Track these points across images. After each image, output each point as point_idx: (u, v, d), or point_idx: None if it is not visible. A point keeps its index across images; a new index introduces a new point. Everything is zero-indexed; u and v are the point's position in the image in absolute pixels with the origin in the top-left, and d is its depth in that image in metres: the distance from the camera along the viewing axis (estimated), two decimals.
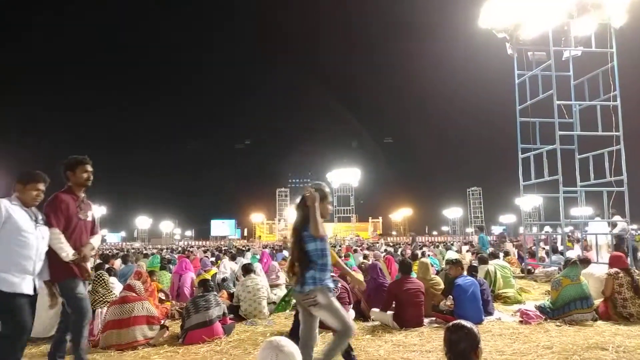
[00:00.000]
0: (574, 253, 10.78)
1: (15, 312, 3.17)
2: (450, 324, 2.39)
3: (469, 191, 49.32)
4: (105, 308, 5.05)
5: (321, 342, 4.79)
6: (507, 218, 51.80)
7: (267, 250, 14.63)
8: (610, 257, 6.39)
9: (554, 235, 14.03)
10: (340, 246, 22.06)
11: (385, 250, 15.46)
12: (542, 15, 9.77)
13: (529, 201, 33.06)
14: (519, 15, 10.14)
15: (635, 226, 19.13)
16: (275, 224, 46.59)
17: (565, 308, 5.59)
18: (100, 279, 5.55)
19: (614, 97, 9.95)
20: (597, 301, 5.84)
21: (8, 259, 3.21)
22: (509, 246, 18.75)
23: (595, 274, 6.57)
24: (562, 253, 10.81)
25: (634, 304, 5.54)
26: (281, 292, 7.34)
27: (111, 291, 5.52)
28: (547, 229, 15.89)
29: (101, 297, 5.32)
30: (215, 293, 5.55)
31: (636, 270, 6.05)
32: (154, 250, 24.12)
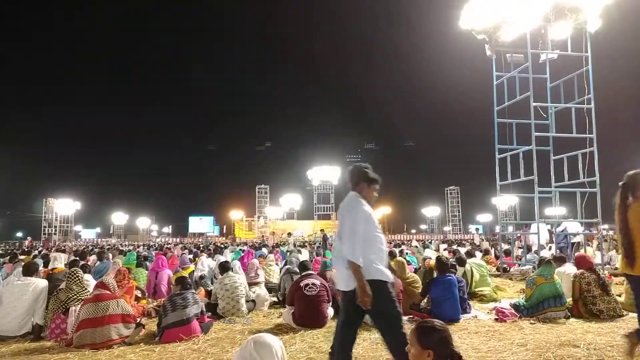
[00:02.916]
0: (549, 253, 11.02)
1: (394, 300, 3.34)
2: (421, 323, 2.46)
3: (447, 190, 49.95)
4: (79, 306, 4.94)
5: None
6: (484, 217, 52.62)
7: (250, 249, 14.61)
8: (576, 258, 6.57)
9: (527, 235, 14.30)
10: (320, 244, 22.08)
11: None
12: (521, 18, 9.93)
13: (505, 201, 33.71)
14: (498, 17, 10.30)
15: (606, 226, 19.61)
16: (254, 221, 46.33)
17: (539, 306, 5.70)
18: (75, 275, 5.42)
19: (588, 100, 10.20)
20: (570, 299, 5.99)
21: (377, 254, 3.30)
22: (486, 245, 19.09)
23: (569, 273, 6.72)
24: (536, 252, 11.04)
25: (603, 300, 5.70)
26: (260, 290, 7.31)
27: (86, 289, 5.40)
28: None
29: (75, 294, 5.20)
30: (194, 291, 5.49)
31: (601, 270, 6.22)
32: (131, 247, 23.77)
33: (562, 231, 11.55)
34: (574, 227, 11.64)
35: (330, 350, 3.56)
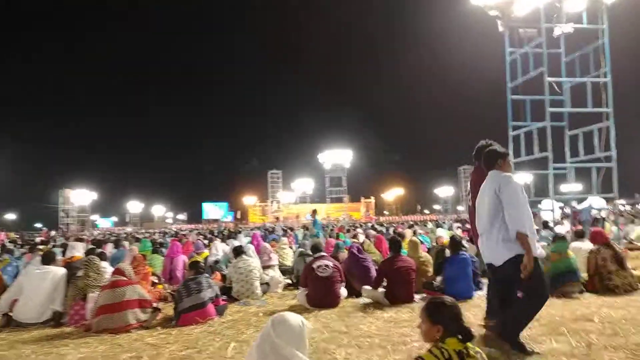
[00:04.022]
0: (564, 229, 10.91)
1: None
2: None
3: (461, 169, 49.55)
4: (97, 292, 5.04)
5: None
6: None
7: (259, 232, 14.68)
8: (591, 234, 6.49)
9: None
10: (333, 227, 22.16)
11: (375, 229, 15.52)
12: None
13: (520, 178, 33.36)
14: None
15: (623, 201, 19.35)
16: (267, 205, 46.62)
17: (553, 282, 5.65)
18: (92, 263, 5.52)
19: (604, 74, 9.95)
20: (585, 274, 5.94)
21: (531, 228, 3.46)
22: None
23: (585, 249, 6.65)
24: (551, 229, 10.93)
25: (619, 275, 5.64)
26: (274, 272, 7.37)
27: (103, 275, 5.50)
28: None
29: (93, 281, 5.30)
30: (207, 275, 5.55)
31: (617, 245, 6.15)
32: (146, 235, 24.10)
33: (587, 207, 11.34)
34: (598, 202, 11.49)
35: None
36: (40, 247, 11.83)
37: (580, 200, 11.55)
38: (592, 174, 10.10)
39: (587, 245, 6.65)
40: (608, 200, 11.69)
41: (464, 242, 7.25)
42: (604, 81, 9.91)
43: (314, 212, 14.29)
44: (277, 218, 28.49)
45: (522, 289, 3.61)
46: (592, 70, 10.27)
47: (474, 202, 4.08)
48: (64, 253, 9.76)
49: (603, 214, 11.96)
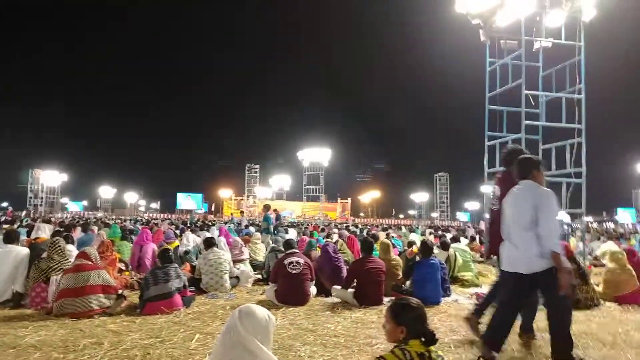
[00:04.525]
0: None
1: None
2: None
3: (436, 176, 50.19)
4: (60, 275, 4.92)
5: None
6: (472, 205, 53.06)
7: (232, 226, 14.58)
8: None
9: None
10: (307, 225, 22.18)
11: (349, 229, 15.60)
12: (516, 3, 9.84)
13: (489, 189, 33.92)
14: (494, 1, 10.20)
15: (590, 218, 19.91)
16: (243, 200, 46.31)
17: None
18: (57, 245, 5.38)
19: (579, 90, 10.19)
20: None
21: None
22: (472, 232, 19.30)
23: None
24: None
25: (581, 290, 5.77)
26: (245, 267, 7.33)
27: (67, 259, 5.36)
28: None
29: (56, 264, 5.17)
30: (177, 265, 5.48)
31: (582, 259, 6.30)
32: (117, 222, 23.65)
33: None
34: (564, 217, 11.77)
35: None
36: (5, 226, 11.48)
37: None
38: (563, 189, 10.34)
39: None
40: (576, 216, 11.97)
41: (435, 249, 7.36)
42: (578, 97, 10.17)
43: (266, 207, 14.18)
44: (242, 212, 28.42)
45: (548, 303, 3.63)
46: (568, 86, 10.53)
47: (499, 206, 4.03)
48: (29, 234, 9.50)
49: (568, 229, 12.24)
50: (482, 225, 16.10)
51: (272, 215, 13.27)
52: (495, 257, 4.37)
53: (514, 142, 10.35)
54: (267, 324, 2.34)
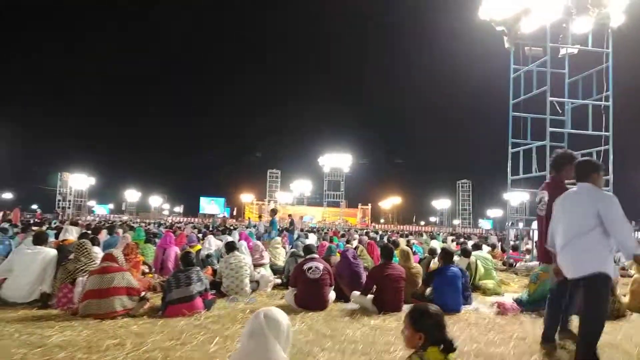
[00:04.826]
0: None
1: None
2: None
3: (458, 183, 49.59)
4: (86, 277, 5.05)
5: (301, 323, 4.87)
6: (495, 212, 52.26)
7: (253, 230, 14.70)
8: None
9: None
10: (327, 230, 22.18)
11: (368, 235, 15.57)
12: (542, 10, 9.74)
13: (517, 196, 33.37)
14: (518, 8, 10.11)
15: None
16: (265, 204, 46.60)
17: (541, 302, 5.64)
18: (83, 247, 5.53)
19: (606, 98, 10.02)
20: None
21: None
22: (494, 239, 19.01)
23: None
24: None
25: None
26: (265, 271, 7.39)
27: (93, 260, 5.50)
28: None
29: (83, 265, 5.31)
30: (199, 268, 5.56)
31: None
32: (142, 225, 24.08)
33: None
34: None
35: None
36: (34, 228, 11.82)
37: None
38: None
39: None
40: None
41: (455, 256, 7.29)
42: (606, 105, 9.97)
43: (273, 211, 14.32)
44: (260, 216, 28.74)
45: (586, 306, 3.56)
46: (595, 93, 10.34)
47: (549, 211, 3.98)
48: (57, 236, 9.77)
49: None
50: (534, 233, 15.84)
51: (291, 220, 13.50)
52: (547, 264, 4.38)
53: (538, 149, 10.23)
54: (288, 329, 2.37)
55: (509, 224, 16.34)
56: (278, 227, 15.38)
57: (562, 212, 3.71)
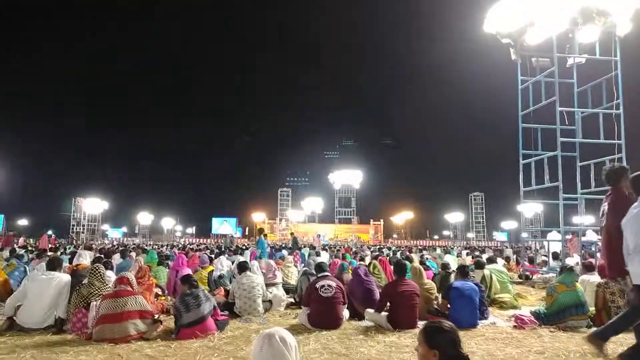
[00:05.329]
0: (573, 260, 10.76)
1: None
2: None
3: (471, 196, 49.15)
4: (99, 301, 5.06)
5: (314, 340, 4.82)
6: (509, 224, 51.65)
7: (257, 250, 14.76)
8: (599, 267, 6.38)
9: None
10: (339, 248, 22.08)
11: (381, 251, 15.46)
12: (547, 21, 9.74)
13: (530, 207, 33.00)
14: (524, 20, 10.12)
15: None
16: (276, 223, 46.58)
17: (560, 315, 5.58)
18: (97, 272, 5.56)
19: (616, 106, 9.94)
20: (593, 308, 5.83)
21: None
22: (509, 252, 18.75)
23: (593, 281, 6.55)
24: (561, 260, 10.78)
25: None
26: (278, 291, 7.35)
27: (107, 284, 5.53)
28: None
29: (97, 290, 5.33)
30: (203, 288, 5.56)
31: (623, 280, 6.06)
32: (155, 247, 24.19)
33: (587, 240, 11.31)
34: (592, 235, 11.40)
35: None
36: (49, 253, 11.93)
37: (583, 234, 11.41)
38: None
39: (595, 278, 6.54)
40: None
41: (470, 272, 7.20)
42: (617, 113, 9.89)
43: (260, 230, 14.70)
44: (265, 235, 29.09)
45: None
46: (605, 102, 10.26)
47: (614, 222, 4.17)
48: (71, 260, 9.85)
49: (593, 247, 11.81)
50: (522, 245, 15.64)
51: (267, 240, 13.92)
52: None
53: (550, 160, 10.14)
54: (296, 351, 2.33)
55: (524, 237, 16.12)
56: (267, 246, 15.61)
57: (629, 230, 3.92)
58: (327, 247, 21.73)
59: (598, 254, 10.77)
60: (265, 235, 14.17)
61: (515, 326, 5.59)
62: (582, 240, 10.60)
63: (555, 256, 11.77)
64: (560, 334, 5.20)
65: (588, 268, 7.17)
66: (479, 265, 7.66)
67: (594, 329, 5.43)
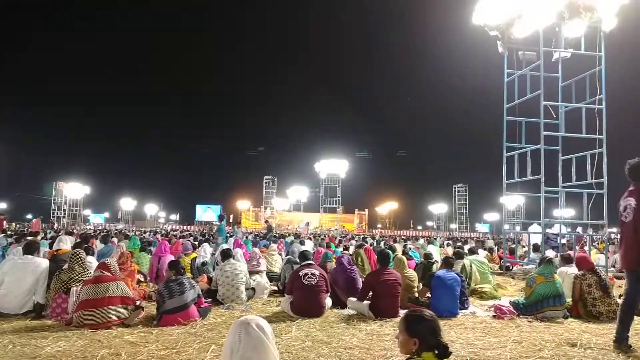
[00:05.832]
0: (553, 252, 10.96)
1: None
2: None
3: (455, 187, 49.64)
4: (80, 286, 5.01)
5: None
6: (491, 216, 52.35)
7: (250, 237, 14.73)
8: (577, 259, 6.51)
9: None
10: (324, 237, 22.17)
11: (365, 241, 15.57)
12: (534, 15, 9.81)
13: (513, 200, 33.49)
14: (511, 12, 10.18)
15: (614, 229, 19.35)
16: (261, 211, 46.50)
17: (538, 305, 5.68)
18: (77, 256, 5.48)
19: (599, 101, 10.08)
20: (570, 299, 5.95)
21: None
22: (490, 243, 19.04)
23: (570, 273, 6.68)
24: (540, 252, 10.98)
25: (603, 302, 5.66)
26: (261, 278, 7.35)
27: (87, 270, 5.46)
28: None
29: (77, 275, 5.26)
30: (188, 276, 5.53)
31: (602, 270, 6.19)
32: (137, 233, 23.99)
33: (555, 233, 11.61)
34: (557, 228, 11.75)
35: None
36: (29, 238, 11.76)
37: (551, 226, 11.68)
38: (584, 200, 10.17)
39: (573, 270, 6.67)
40: (598, 227, 11.76)
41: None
42: (599, 108, 10.04)
43: (221, 217, 14.67)
44: (239, 223, 29.09)
45: None
46: (588, 97, 10.40)
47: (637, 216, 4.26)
48: (51, 245, 9.72)
49: (557, 239, 12.08)
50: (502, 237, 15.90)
51: (228, 228, 13.87)
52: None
53: (533, 153, 10.28)
54: (261, 336, 2.29)
55: (506, 229, 16.38)
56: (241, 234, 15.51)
57: None
58: (311, 236, 21.79)
59: (577, 247, 11.02)
60: (223, 219, 14.20)
61: (494, 316, 5.69)
62: (546, 232, 10.85)
63: (536, 248, 11.98)
64: (537, 324, 5.30)
65: (567, 260, 7.30)
66: (459, 256, 7.77)
67: (570, 319, 5.58)
